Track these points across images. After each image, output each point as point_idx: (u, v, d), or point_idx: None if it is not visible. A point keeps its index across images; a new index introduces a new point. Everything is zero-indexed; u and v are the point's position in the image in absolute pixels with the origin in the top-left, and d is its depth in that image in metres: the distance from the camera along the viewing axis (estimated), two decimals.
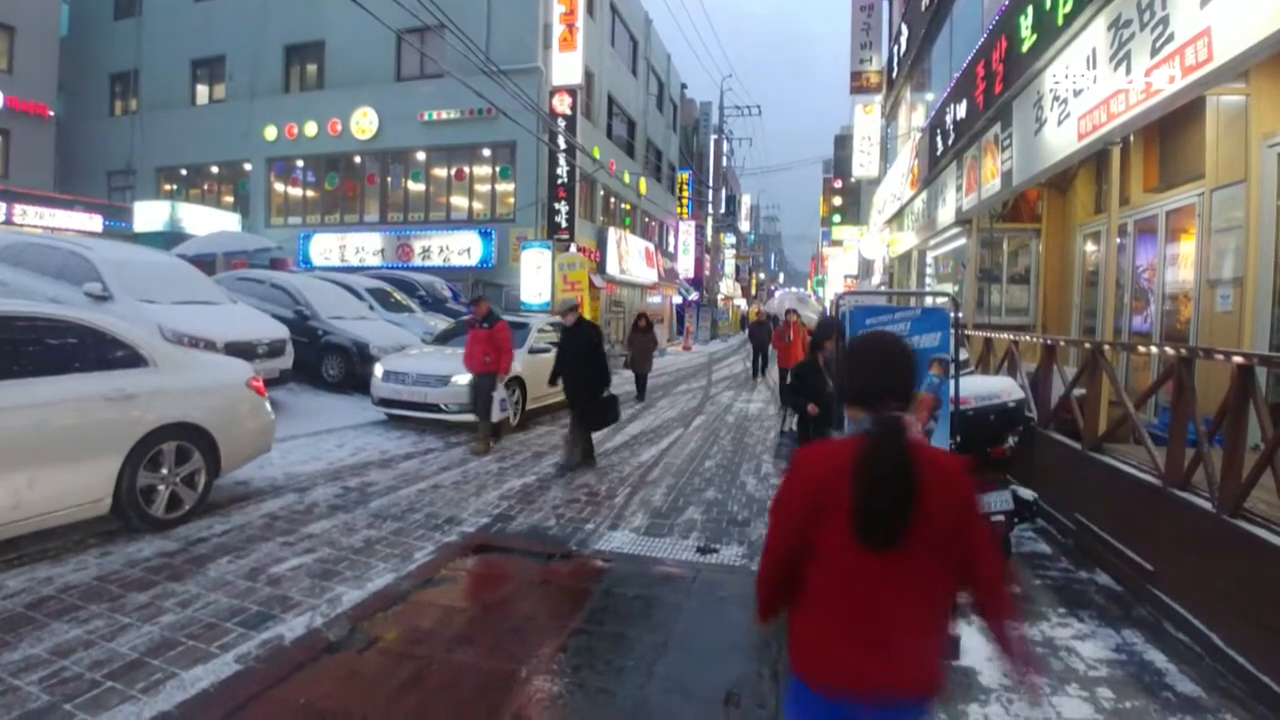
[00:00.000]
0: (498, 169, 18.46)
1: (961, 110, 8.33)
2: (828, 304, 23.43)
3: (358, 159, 19.42)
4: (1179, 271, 6.09)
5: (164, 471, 4.35)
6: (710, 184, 37.63)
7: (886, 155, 17.87)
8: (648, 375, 12.17)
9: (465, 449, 7.18)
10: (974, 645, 3.17)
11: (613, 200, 22.94)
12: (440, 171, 19.01)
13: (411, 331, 10.70)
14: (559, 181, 17.19)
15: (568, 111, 16.81)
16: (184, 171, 21.53)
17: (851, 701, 1.44)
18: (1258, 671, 2.79)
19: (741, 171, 47.80)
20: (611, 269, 20.54)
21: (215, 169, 21.14)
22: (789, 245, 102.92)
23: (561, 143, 16.76)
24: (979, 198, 7.95)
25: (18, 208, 16.65)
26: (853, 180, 26.81)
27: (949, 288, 10.21)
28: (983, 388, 4.41)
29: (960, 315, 4.94)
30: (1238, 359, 3.13)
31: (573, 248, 16.98)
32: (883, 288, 17.44)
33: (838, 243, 31.71)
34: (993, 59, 6.98)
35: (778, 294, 31.59)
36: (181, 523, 4.44)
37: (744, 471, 6.74)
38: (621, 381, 13.18)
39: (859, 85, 19.48)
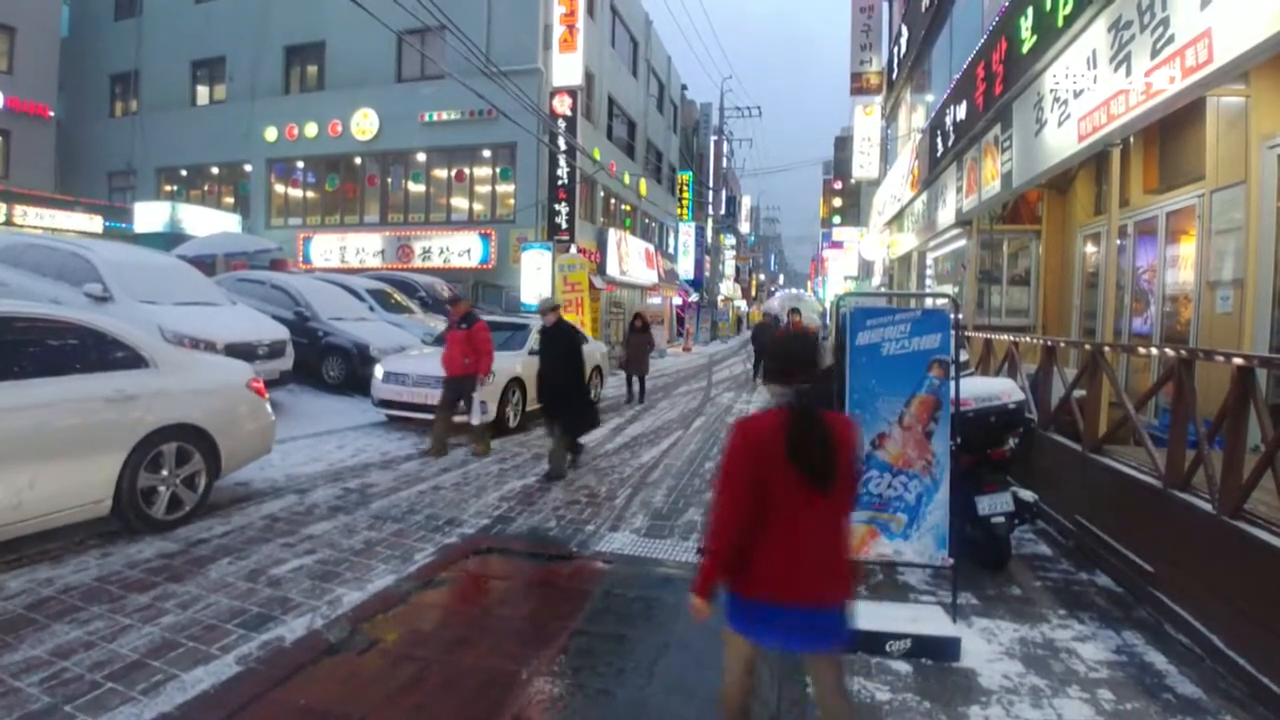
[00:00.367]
0: (498, 170, 18.45)
1: (961, 111, 8.33)
2: (827, 305, 23.44)
3: (358, 160, 19.41)
4: (1179, 273, 6.09)
5: (164, 473, 4.35)
6: (710, 185, 37.61)
7: (886, 156, 17.87)
8: (645, 377, 11.90)
9: (465, 450, 7.18)
10: (974, 647, 3.18)
11: (613, 201, 22.94)
12: (440, 172, 19.00)
13: (412, 333, 10.68)
14: (559, 183, 17.19)
15: (568, 112, 16.81)
16: (184, 172, 21.52)
17: (788, 608, 1.90)
18: (1258, 673, 2.79)
19: (742, 173, 47.78)
20: (612, 270, 20.53)
21: (215, 170, 21.14)
22: (789, 246, 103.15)
23: (562, 144, 16.75)
24: (979, 199, 7.95)
25: (18, 208, 16.62)
26: (853, 181, 26.86)
27: (949, 289, 10.21)
28: (983, 389, 4.41)
29: (960, 317, 4.94)
30: (1238, 360, 3.13)
31: (573, 249, 16.97)
32: (882, 289, 17.45)
33: (838, 243, 31.73)
34: (993, 60, 6.98)
35: (777, 295, 31.61)
36: (182, 524, 4.44)
37: None
38: (616, 383, 13.19)
39: (859, 86, 19.49)
